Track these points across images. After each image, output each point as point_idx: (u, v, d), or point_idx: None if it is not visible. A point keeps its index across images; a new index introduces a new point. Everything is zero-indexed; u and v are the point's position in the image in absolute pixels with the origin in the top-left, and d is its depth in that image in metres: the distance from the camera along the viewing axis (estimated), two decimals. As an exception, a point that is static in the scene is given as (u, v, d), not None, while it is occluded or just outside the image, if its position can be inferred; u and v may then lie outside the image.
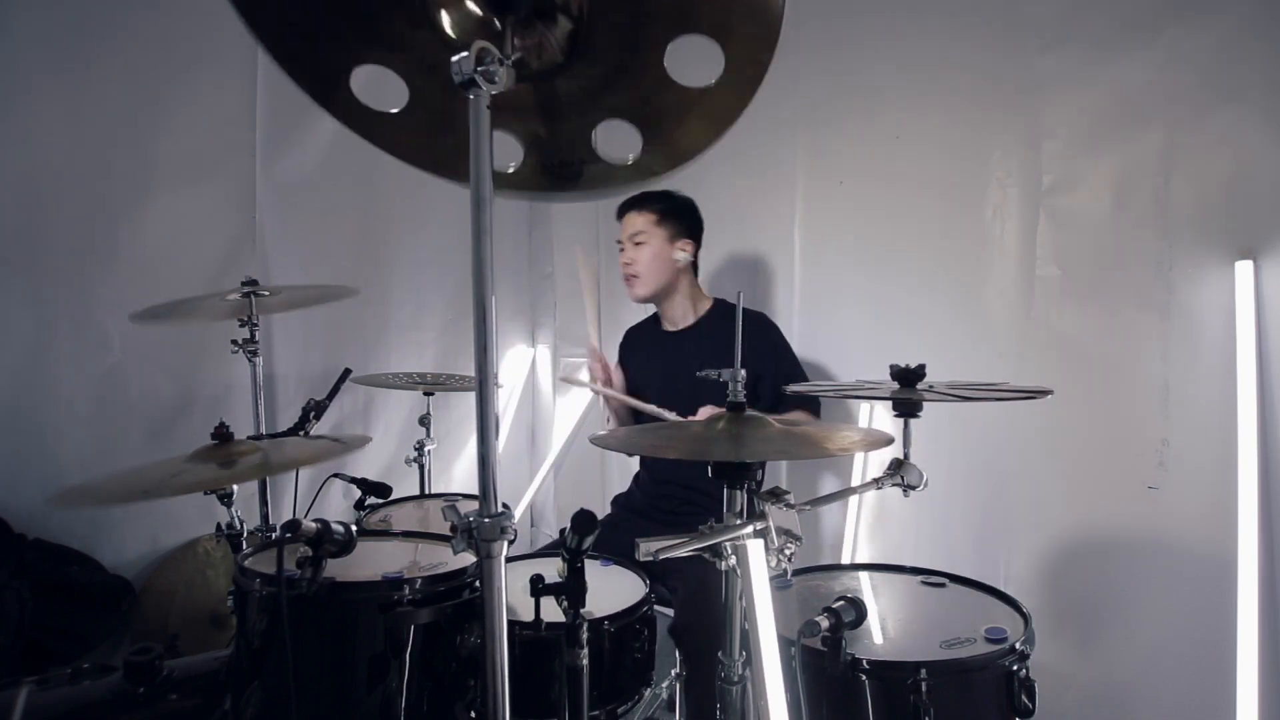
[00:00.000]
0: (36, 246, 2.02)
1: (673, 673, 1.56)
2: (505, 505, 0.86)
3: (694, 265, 2.08)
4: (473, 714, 1.21)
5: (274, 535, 1.15)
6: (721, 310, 2.07)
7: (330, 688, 1.17)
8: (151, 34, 2.11)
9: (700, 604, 1.52)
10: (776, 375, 1.85)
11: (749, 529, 0.99)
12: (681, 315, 2.08)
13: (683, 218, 2.04)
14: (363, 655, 1.16)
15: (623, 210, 2.05)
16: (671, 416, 1.78)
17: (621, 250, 2.06)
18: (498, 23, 0.87)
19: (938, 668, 1.05)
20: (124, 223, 2.13)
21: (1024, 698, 1.07)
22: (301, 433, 1.67)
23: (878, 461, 2.05)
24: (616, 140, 1.00)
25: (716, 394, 1.62)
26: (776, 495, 1.01)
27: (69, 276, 2.06)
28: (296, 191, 2.44)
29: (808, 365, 2.29)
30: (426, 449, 2.26)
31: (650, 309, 2.17)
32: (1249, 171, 1.49)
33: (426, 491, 2.25)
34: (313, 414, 1.72)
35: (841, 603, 1.07)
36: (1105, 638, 1.68)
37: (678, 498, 1.98)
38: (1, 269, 1.98)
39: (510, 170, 1.06)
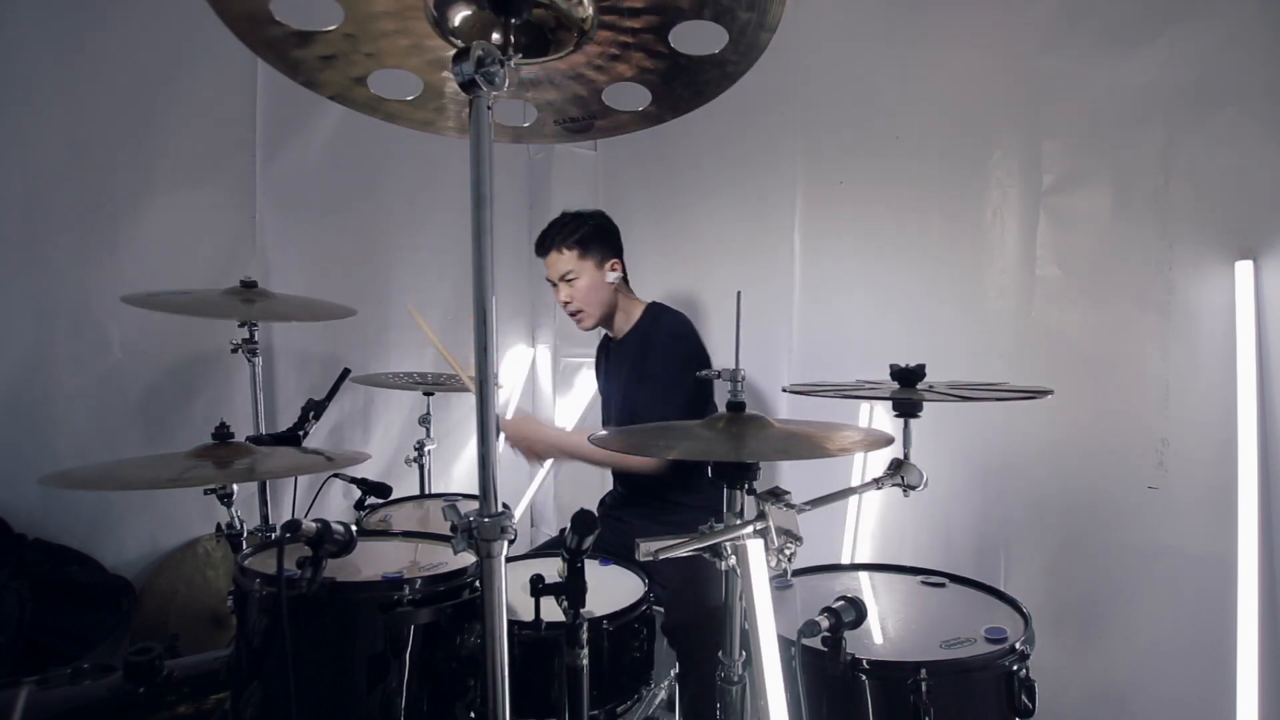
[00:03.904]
0: (37, 246, 2.02)
1: (672, 673, 1.56)
2: (505, 505, 0.86)
3: (624, 277, 2.08)
4: (472, 714, 1.22)
5: (274, 535, 1.15)
6: (650, 315, 2.05)
7: (330, 688, 1.17)
8: (152, 33, 2.11)
9: (689, 598, 1.51)
10: (636, 393, 1.91)
11: (749, 529, 0.99)
12: (619, 326, 2.09)
13: (602, 239, 2.03)
14: (363, 655, 1.16)
15: (542, 251, 2.04)
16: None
17: (555, 288, 2.05)
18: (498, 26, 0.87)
19: (938, 668, 1.05)
20: (124, 222, 2.13)
21: (1024, 698, 1.07)
22: (301, 433, 1.67)
23: (878, 461, 2.05)
24: (626, 94, 1.02)
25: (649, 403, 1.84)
26: (776, 495, 1.01)
27: (69, 276, 2.06)
28: (296, 192, 2.44)
29: (808, 365, 2.30)
30: (426, 449, 2.27)
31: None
32: (1249, 171, 1.48)
33: (426, 491, 2.26)
34: (312, 414, 1.71)
35: (841, 603, 1.07)
36: (1105, 638, 1.68)
37: (648, 512, 1.97)
38: (1, 269, 1.98)
39: (525, 125, 1.10)
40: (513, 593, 0.92)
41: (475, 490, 0.86)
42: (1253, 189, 1.49)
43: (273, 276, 2.32)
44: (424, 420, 2.28)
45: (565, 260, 2.00)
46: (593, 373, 3.11)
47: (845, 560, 2.09)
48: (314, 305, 1.94)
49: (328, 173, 2.49)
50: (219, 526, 1.66)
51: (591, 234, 2.02)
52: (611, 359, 2.15)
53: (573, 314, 2.05)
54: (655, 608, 1.43)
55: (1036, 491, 1.80)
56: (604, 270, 2.02)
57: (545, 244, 2.03)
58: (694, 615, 1.40)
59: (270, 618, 1.14)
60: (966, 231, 1.92)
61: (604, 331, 2.18)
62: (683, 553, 0.96)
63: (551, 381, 3.15)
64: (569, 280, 2.01)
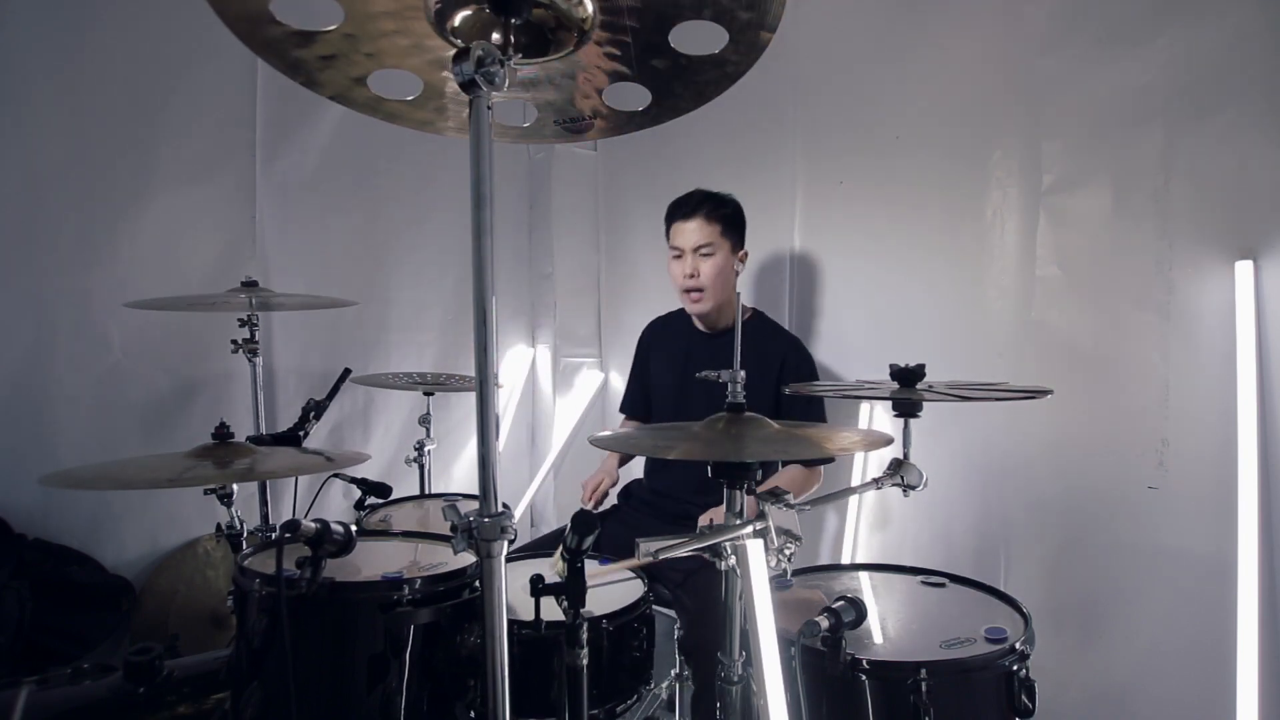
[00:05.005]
0: (36, 246, 2.02)
1: (672, 673, 1.56)
2: (505, 505, 0.86)
3: None
4: (472, 714, 1.22)
5: (274, 535, 1.15)
6: (759, 321, 2.05)
7: (330, 688, 1.17)
8: (152, 33, 2.11)
9: (712, 621, 1.51)
10: (800, 403, 1.87)
11: (749, 529, 0.99)
12: (722, 319, 2.02)
13: (740, 226, 1.98)
14: (363, 655, 1.16)
15: (683, 215, 1.94)
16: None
17: (678, 257, 1.96)
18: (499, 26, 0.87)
19: (938, 668, 1.05)
20: (124, 222, 2.13)
21: (1024, 698, 1.07)
22: (301, 433, 1.67)
23: (878, 461, 2.05)
24: (625, 94, 1.02)
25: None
26: (776, 495, 1.01)
27: (69, 276, 2.06)
28: (296, 191, 2.44)
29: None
30: (426, 449, 2.27)
31: (676, 302, 2.10)
32: (1249, 171, 1.48)
33: (426, 491, 2.25)
34: (312, 414, 1.71)
35: (841, 603, 1.07)
36: (1105, 638, 1.68)
37: (673, 511, 1.97)
38: (1, 269, 1.98)
39: (525, 126, 1.10)
40: (513, 593, 0.92)
41: (475, 490, 0.86)
42: (1253, 189, 1.48)
43: (273, 276, 2.31)
44: (424, 420, 2.28)
45: (708, 231, 1.90)
46: (593, 372, 3.14)
47: (845, 560, 2.09)
48: (315, 301, 1.94)
49: (328, 173, 2.49)
50: (219, 526, 1.66)
51: (734, 216, 1.95)
52: (697, 351, 2.04)
53: (691, 290, 1.94)
54: (656, 607, 1.43)
55: (1036, 491, 1.80)
56: (735, 257, 1.96)
57: (689, 209, 1.92)
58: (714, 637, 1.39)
59: (270, 618, 1.14)
60: (966, 231, 1.92)
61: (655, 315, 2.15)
62: (682, 553, 0.96)
63: (551, 381, 3.14)
64: (704, 254, 1.91)
